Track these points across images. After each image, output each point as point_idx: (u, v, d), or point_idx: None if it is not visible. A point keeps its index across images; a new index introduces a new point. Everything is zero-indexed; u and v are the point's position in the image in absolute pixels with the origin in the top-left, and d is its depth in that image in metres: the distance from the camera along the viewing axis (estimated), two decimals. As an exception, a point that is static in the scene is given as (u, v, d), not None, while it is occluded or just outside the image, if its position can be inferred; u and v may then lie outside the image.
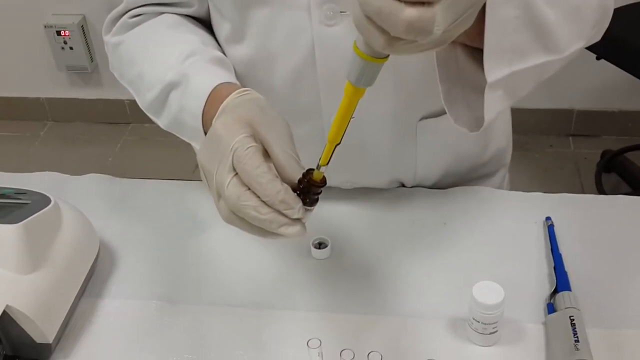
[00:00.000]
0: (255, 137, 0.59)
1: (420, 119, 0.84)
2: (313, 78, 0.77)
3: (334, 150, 0.57)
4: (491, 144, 0.94)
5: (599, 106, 2.26)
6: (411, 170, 0.89)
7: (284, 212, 0.56)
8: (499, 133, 0.95)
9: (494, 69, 0.63)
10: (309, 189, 0.57)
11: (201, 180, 0.92)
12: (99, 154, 2.37)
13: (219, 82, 0.71)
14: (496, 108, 0.65)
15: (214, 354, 0.73)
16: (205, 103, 0.71)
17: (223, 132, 0.58)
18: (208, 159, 0.59)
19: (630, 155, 2.11)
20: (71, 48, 2.41)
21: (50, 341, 0.71)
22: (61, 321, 0.74)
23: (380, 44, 0.46)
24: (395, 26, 0.44)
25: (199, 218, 0.90)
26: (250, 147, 0.57)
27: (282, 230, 0.56)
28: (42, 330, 0.70)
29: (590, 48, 1.77)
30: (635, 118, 2.25)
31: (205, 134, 0.68)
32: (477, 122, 0.68)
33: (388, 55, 0.50)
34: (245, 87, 0.68)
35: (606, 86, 2.20)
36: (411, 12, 0.44)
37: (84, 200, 0.88)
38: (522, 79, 0.66)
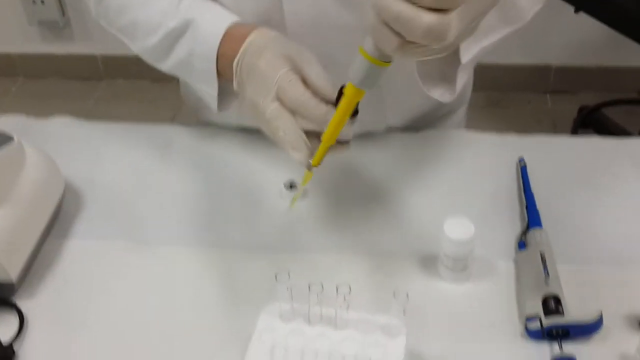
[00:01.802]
0: (295, 69, 0.64)
1: None
2: (281, 25, 0.75)
3: (327, 151, 0.62)
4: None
5: (577, 62, 2.25)
6: (381, 117, 0.88)
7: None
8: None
9: (467, 50, 0.68)
10: None
11: (169, 124, 0.91)
12: (72, 110, 2.25)
13: (229, 23, 0.71)
14: (465, 77, 0.72)
15: (182, 294, 0.72)
16: (219, 45, 0.71)
17: (267, 68, 0.64)
18: (255, 93, 0.66)
19: (607, 111, 2.11)
20: (42, 2, 2.35)
21: (14, 280, 0.70)
22: (24, 260, 0.72)
23: (393, 48, 0.49)
24: (413, 31, 0.46)
25: (167, 160, 0.88)
26: (293, 78, 0.63)
27: (293, 153, 0.63)
28: (5, 268, 0.69)
29: (568, 0, 1.75)
30: (614, 74, 2.25)
31: (219, 74, 0.72)
32: (449, 91, 0.73)
33: (391, 60, 0.53)
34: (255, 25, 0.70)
35: (584, 41, 2.19)
36: (431, 18, 0.46)
37: (49, 142, 0.85)
38: (486, 49, 0.71)
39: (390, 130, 0.91)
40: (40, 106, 2.33)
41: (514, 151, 0.86)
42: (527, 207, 0.78)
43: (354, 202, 0.81)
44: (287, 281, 0.62)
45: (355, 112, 0.62)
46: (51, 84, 2.49)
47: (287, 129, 0.63)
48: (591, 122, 2.10)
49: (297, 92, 0.62)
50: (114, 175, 0.86)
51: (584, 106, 2.14)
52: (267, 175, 0.84)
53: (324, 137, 0.61)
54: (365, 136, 0.89)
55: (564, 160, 0.86)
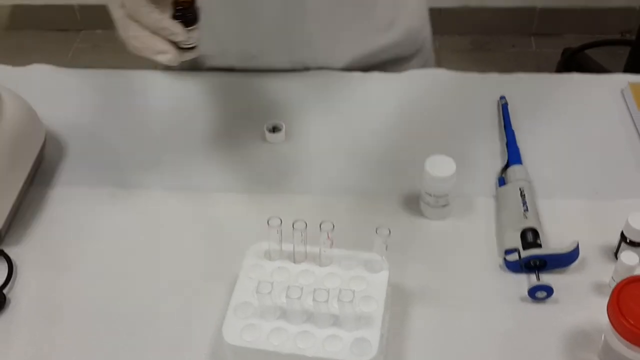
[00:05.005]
0: None
1: None
2: None
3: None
4: (398, 21, 0.91)
5: (561, 3, 2.24)
6: (306, 47, 0.88)
7: (169, 37, 0.61)
8: (408, 11, 0.92)
9: None
10: (183, 11, 0.61)
11: (148, 70, 0.88)
12: (50, 62, 2.27)
13: None
14: None
15: (168, 237, 0.73)
16: None
17: None
18: None
19: (590, 52, 2.11)
20: (15, -49, 2.28)
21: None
22: (9, 208, 0.72)
23: None
24: None
25: (149, 105, 0.88)
26: None
27: (158, 57, 0.62)
28: (-10, 216, 0.69)
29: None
30: (597, 15, 2.24)
31: None
32: None
33: None
34: None
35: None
36: None
37: (28, 91, 0.83)
38: None
39: (367, 70, 0.90)
40: (18, 58, 2.28)
41: (495, 90, 0.87)
42: (507, 144, 0.79)
43: (334, 142, 0.82)
44: (278, 225, 0.62)
45: (192, 20, 0.62)
46: (28, 36, 2.43)
47: (141, 36, 0.61)
48: (574, 64, 2.09)
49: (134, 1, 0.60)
50: (96, 122, 0.86)
51: (568, 48, 2.14)
52: (250, 118, 0.84)
53: None
54: (344, 76, 0.89)
55: (545, 98, 0.86)
